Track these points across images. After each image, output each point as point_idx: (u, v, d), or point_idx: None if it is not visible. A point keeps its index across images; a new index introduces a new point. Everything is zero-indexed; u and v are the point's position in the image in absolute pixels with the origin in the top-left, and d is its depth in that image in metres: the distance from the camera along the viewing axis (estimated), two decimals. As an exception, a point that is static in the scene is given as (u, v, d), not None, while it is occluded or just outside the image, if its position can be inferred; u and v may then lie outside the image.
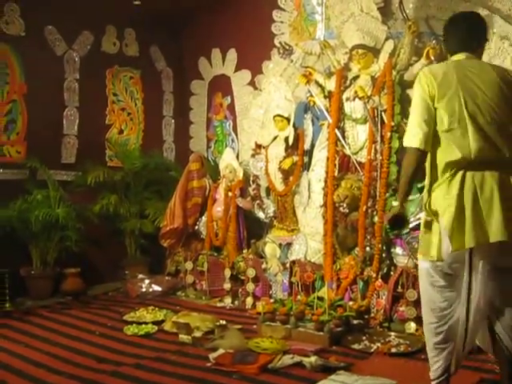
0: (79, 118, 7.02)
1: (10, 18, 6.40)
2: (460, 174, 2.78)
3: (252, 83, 7.02)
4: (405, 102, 5.11)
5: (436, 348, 2.96)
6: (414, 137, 2.87)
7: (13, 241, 6.07)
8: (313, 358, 3.79)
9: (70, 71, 6.98)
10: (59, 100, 6.89)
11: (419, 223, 4.43)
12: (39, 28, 6.67)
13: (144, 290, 6.25)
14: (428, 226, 2.94)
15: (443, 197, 2.81)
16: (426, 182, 2.96)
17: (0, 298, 5.74)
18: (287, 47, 6.07)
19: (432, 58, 4.86)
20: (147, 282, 6.32)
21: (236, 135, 7.34)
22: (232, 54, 7.31)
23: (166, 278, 6.50)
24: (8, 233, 6.01)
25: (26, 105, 6.52)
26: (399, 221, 2.98)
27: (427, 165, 2.96)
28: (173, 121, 8.11)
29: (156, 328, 4.87)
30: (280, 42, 6.22)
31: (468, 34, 3.03)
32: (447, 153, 2.82)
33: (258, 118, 6.58)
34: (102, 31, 7.28)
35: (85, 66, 7.06)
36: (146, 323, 4.99)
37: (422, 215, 3.06)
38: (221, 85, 7.51)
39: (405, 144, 2.95)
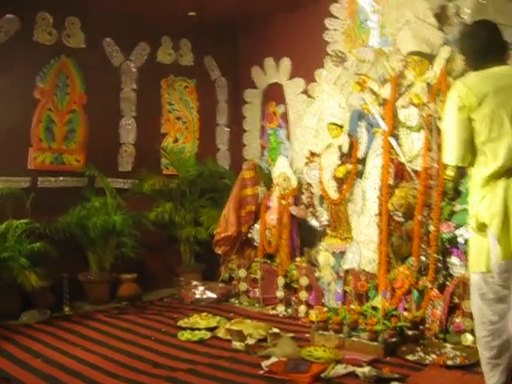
0: (136, 127, 7.19)
1: (71, 31, 6.64)
2: (503, 183, 2.75)
3: (305, 91, 7.02)
4: (461, 109, 5.02)
5: (489, 363, 2.89)
6: (452, 154, 2.89)
7: (72, 246, 6.28)
8: (366, 369, 3.75)
9: (127, 81, 7.17)
10: (116, 110, 7.09)
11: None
12: (98, 40, 6.90)
13: (198, 296, 6.32)
14: (476, 238, 2.90)
15: (488, 207, 2.78)
16: (472, 193, 2.93)
17: (59, 302, 5.94)
18: (340, 55, 6.04)
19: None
20: (201, 288, 6.39)
21: (289, 143, 7.35)
22: (285, 63, 7.33)
23: (220, 284, 6.56)
24: (67, 239, 6.20)
25: (86, 115, 6.73)
26: None
27: (471, 176, 2.94)
28: (227, 129, 8.18)
29: (209, 334, 4.92)
30: (333, 50, 6.20)
31: (491, 43, 2.96)
32: (487, 164, 2.79)
33: (312, 126, 6.56)
34: (157, 42, 7.45)
35: (141, 77, 7.25)
36: (200, 329, 5.04)
37: (471, 228, 3.01)
38: (274, 93, 7.54)
39: (444, 161, 2.98)
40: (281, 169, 6.55)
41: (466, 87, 2.85)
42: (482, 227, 2.83)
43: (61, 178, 6.53)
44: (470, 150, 2.85)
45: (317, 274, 5.73)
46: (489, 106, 2.78)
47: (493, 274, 2.81)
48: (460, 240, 4.60)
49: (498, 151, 2.75)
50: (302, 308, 5.60)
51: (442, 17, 5.40)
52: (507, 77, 2.87)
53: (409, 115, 5.27)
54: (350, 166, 5.85)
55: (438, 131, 4.97)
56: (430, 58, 5.22)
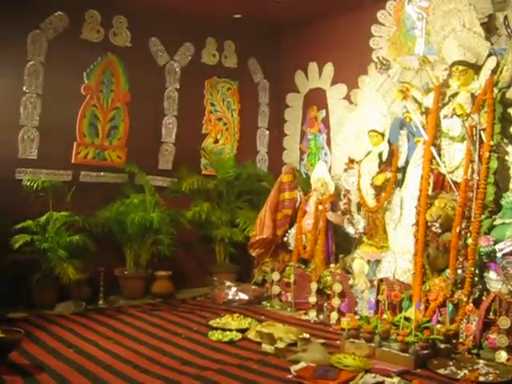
0: (177, 127, 7.27)
1: (118, 30, 6.76)
2: None
3: (347, 97, 6.99)
4: (505, 121, 4.94)
5: None
6: None
7: (109, 241, 6.39)
8: (395, 379, 3.71)
9: (171, 81, 7.26)
10: (159, 109, 7.18)
11: (515, 248, 4.32)
12: (144, 39, 7.00)
13: (231, 297, 6.34)
14: None
15: None
16: None
17: (95, 295, 6.04)
18: (385, 62, 6.00)
19: (536, 76, 4.68)
20: (234, 289, 6.41)
21: (329, 149, 7.32)
22: (329, 68, 7.32)
23: (253, 287, 6.57)
24: (105, 233, 6.32)
25: (129, 112, 6.84)
26: None
27: None
28: (267, 132, 8.20)
29: (240, 336, 4.93)
30: (378, 57, 6.17)
31: None
32: None
33: (352, 132, 6.53)
34: (202, 43, 7.52)
35: (185, 77, 7.33)
36: (231, 330, 5.06)
37: None
38: (316, 98, 7.53)
39: None
40: (319, 174, 6.53)
41: None
42: None
43: (102, 174, 6.64)
44: None
45: (350, 282, 5.70)
46: None
47: None
48: (498, 255, 4.51)
49: None
50: (334, 315, 5.57)
51: (489, 26, 5.33)
52: None
53: (452, 125, 5.20)
54: (389, 175, 5.81)
55: (481, 142, 4.90)
56: (475, 68, 5.14)
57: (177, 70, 7.29)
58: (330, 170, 6.90)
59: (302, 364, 4.06)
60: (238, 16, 7.17)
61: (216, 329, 5.11)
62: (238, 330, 5.06)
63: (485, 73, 5.10)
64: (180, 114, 7.30)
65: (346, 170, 6.32)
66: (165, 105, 7.22)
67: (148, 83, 6.96)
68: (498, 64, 5.06)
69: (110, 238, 6.39)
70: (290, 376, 3.90)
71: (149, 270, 6.56)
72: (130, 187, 6.71)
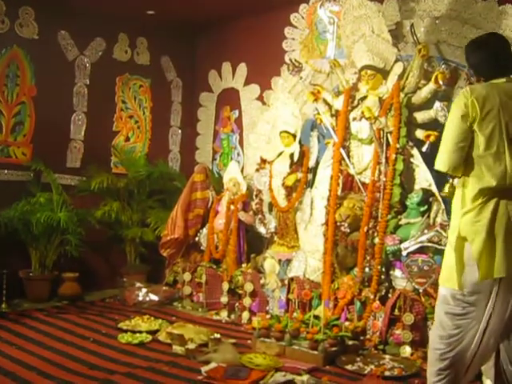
0: (86, 124, 7.06)
1: (25, 21, 6.47)
2: (493, 201, 2.75)
3: (260, 98, 7.03)
4: (411, 125, 5.13)
5: (439, 374, 2.91)
6: (445, 161, 2.84)
7: (13, 242, 6.11)
8: (305, 377, 3.77)
9: (80, 76, 7.04)
10: (68, 104, 6.94)
11: (420, 246, 4.51)
12: (52, 32, 6.73)
13: (141, 298, 6.22)
14: (452, 252, 2.86)
15: (472, 224, 2.76)
16: (457, 206, 2.90)
17: (-3, 298, 5.77)
18: (297, 64, 6.07)
19: (441, 82, 4.89)
20: (144, 290, 6.29)
21: (242, 149, 7.34)
22: (242, 69, 7.33)
23: (164, 287, 6.47)
24: (9, 233, 6.04)
25: (35, 107, 6.57)
26: None
27: (459, 189, 2.91)
28: (180, 131, 8.12)
29: (150, 337, 4.85)
30: (290, 59, 6.24)
31: (502, 57, 2.93)
32: (480, 179, 2.77)
33: (265, 133, 6.60)
34: (114, 39, 7.33)
35: (95, 72, 7.12)
36: (141, 332, 4.97)
37: (448, 240, 3.00)
38: (229, 98, 7.53)
39: (436, 167, 2.91)
40: (231, 174, 6.53)
41: (472, 97, 2.78)
42: (461, 242, 2.81)
43: (6, 171, 6.34)
44: (464, 161, 2.81)
45: (262, 281, 5.73)
46: (492, 122, 2.76)
47: (465, 291, 2.81)
48: (404, 253, 4.68)
49: (495, 168, 2.73)
50: (245, 314, 5.59)
51: (397, 33, 5.52)
52: None
53: (360, 128, 5.34)
54: (299, 175, 5.89)
55: (388, 145, 5.07)
56: (383, 72, 5.31)
57: (87, 65, 7.07)
58: (242, 170, 6.92)
59: (213, 364, 4.05)
60: (151, 13, 7.05)
61: (126, 331, 5.00)
62: (149, 332, 4.97)
63: (392, 78, 5.28)
64: (90, 110, 7.08)
65: (257, 170, 6.36)
66: (74, 101, 6.98)
67: (56, 78, 6.69)
68: (404, 70, 5.25)
69: (14, 238, 6.10)
70: (200, 377, 3.87)
71: (55, 272, 6.32)
72: (36, 186, 6.43)
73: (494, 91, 2.83)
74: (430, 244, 4.59)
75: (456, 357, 2.87)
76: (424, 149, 4.98)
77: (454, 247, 2.84)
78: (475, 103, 2.77)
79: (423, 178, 5.05)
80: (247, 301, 5.62)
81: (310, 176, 5.89)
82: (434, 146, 4.44)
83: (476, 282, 2.75)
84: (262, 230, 6.12)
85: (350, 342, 4.52)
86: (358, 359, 4.29)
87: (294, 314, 5.02)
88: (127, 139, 7.54)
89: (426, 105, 5.11)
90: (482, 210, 2.75)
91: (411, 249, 4.61)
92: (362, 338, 4.67)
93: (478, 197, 2.77)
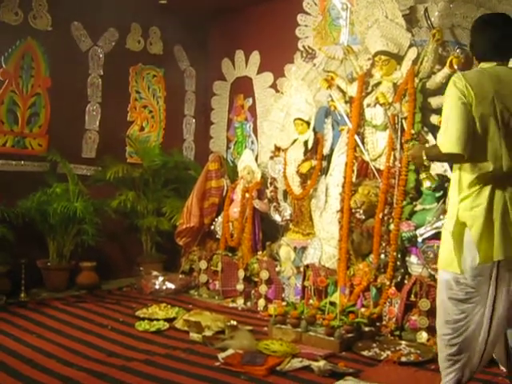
0: (101, 114, 7.10)
1: (38, 13, 6.49)
2: (490, 186, 2.74)
3: (274, 86, 7.03)
4: (426, 110, 5.09)
5: (449, 360, 2.92)
6: (457, 142, 2.70)
7: (31, 232, 6.17)
8: (321, 363, 3.78)
9: (94, 67, 7.06)
10: (82, 95, 6.97)
11: (435, 232, 4.48)
12: (66, 23, 6.76)
13: (157, 287, 6.27)
14: (451, 237, 2.85)
15: (471, 208, 2.76)
16: (454, 192, 2.89)
17: (16, 288, 5.83)
18: (310, 51, 6.06)
19: (455, 67, 4.81)
20: (161, 279, 6.34)
21: (256, 137, 7.35)
22: (255, 56, 7.33)
23: (180, 276, 6.52)
24: (27, 224, 6.09)
25: (50, 99, 6.61)
26: None
27: (455, 175, 2.89)
28: (194, 120, 8.14)
29: (167, 325, 4.89)
30: (303, 46, 6.23)
31: (502, 40, 2.86)
32: (477, 164, 2.75)
33: (279, 120, 6.58)
34: (127, 29, 7.35)
35: (109, 63, 7.14)
36: (158, 320, 5.02)
37: (444, 225, 2.99)
38: (243, 86, 7.53)
39: (445, 150, 2.75)
40: (246, 162, 6.54)
41: (466, 81, 2.74)
42: (460, 227, 2.80)
43: (22, 162, 6.38)
44: (471, 140, 2.72)
45: (277, 269, 5.76)
46: (488, 105, 2.73)
47: (466, 275, 2.81)
48: (419, 239, 4.66)
49: (491, 154, 2.72)
50: (261, 301, 5.62)
51: (411, 18, 5.47)
52: (508, 78, 2.80)
53: (375, 114, 5.32)
54: (314, 162, 5.88)
55: (402, 131, 5.04)
56: (397, 58, 5.27)
57: (100, 55, 7.09)
58: (256, 158, 6.93)
59: (230, 351, 4.08)
60: (163, 2, 7.06)
61: (143, 319, 5.05)
62: (166, 320, 5.02)
63: (406, 63, 5.25)
64: (104, 100, 7.11)
65: (272, 158, 6.35)
66: (88, 91, 7.02)
67: (70, 69, 6.72)
68: (418, 55, 5.21)
69: (32, 228, 6.16)
70: (217, 364, 3.91)
71: (73, 261, 6.38)
72: (52, 176, 6.48)
73: (486, 77, 2.79)
74: (445, 230, 4.56)
75: (465, 342, 2.87)
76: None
77: (453, 232, 2.84)
78: (469, 88, 2.73)
79: (438, 164, 5.02)
80: (263, 288, 5.64)
81: (324, 163, 5.88)
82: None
83: (476, 266, 2.76)
84: (276, 217, 6.13)
85: (366, 329, 4.53)
86: (375, 345, 4.30)
87: (310, 301, 5.03)
88: (142, 129, 7.57)
89: (441, 90, 5.05)
90: (479, 196, 2.76)
91: (427, 235, 4.58)
92: (378, 324, 4.68)
93: (475, 182, 2.77)
